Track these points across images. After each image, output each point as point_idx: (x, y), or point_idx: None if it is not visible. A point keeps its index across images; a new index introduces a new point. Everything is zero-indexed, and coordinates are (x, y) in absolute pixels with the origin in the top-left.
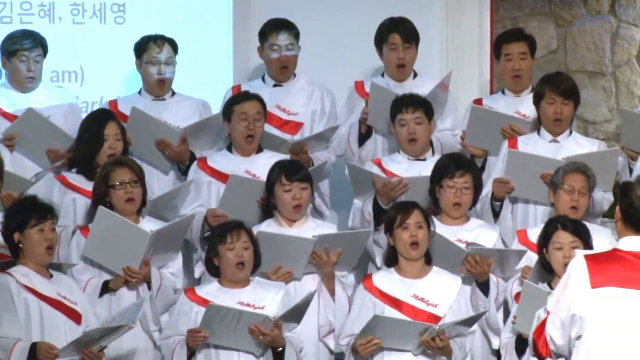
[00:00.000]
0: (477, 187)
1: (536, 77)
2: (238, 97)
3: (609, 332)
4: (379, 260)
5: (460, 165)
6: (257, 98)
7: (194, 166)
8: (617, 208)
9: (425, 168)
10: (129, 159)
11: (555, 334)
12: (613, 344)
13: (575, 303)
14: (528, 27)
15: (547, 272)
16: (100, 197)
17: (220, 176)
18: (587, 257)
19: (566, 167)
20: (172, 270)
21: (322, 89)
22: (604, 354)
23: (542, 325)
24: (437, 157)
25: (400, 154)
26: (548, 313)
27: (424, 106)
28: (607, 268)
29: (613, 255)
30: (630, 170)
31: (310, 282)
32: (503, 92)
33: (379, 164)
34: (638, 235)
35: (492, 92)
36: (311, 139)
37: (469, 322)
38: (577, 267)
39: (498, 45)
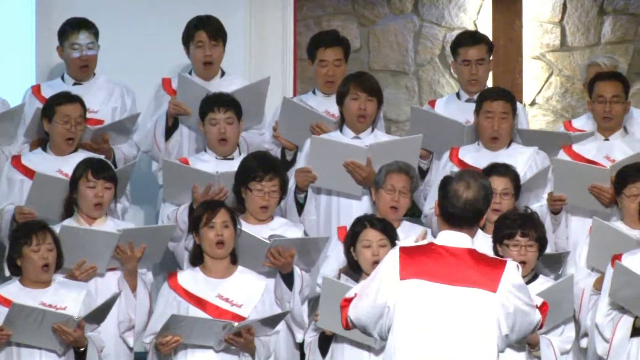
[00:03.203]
0: (283, 190)
1: None
2: (61, 98)
3: (414, 322)
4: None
5: (269, 169)
6: (80, 101)
7: (8, 164)
8: (436, 202)
9: (232, 167)
10: None
11: (355, 316)
12: (417, 334)
13: (384, 293)
14: (331, 27)
15: (355, 271)
16: None
17: (33, 175)
18: (402, 249)
19: (389, 167)
20: None
21: (122, 87)
22: (409, 343)
23: (348, 301)
24: (244, 156)
25: (207, 152)
26: (355, 295)
27: (235, 106)
28: (418, 261)
29: (427, 249)
30: (420, 170)
31: (112, 279)
32: (314, 92)
33: (186, 164)
34: (453, 230)
35: (295, 91)
36: (111, 127)
37: (271, 321)
38: (390, 258)
39: (313, 48)
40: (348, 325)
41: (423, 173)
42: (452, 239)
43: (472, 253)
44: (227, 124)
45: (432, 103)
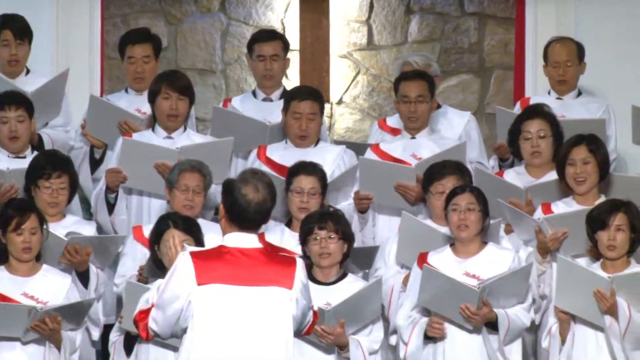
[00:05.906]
0: (73, 186)
1: None
2: None
3: (213, 326)
4: None
5: (56, 166)
6: None
7: None
8: (222, 205)
9: (23, 164)
10: None
11: (157, 325)
12: (216, 338)
13: (181, 299)
14: (139, 25)
15: (159, 268)
16: None
17: None
18: (193, 254)
19: (181, 166)
20: None
21: None
22: (208, 347)
23: (146, 313)
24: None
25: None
26: (153, 305)
27: (26, 104)
28: (213, 265)
29: (219, 252)
30: None
31: None
32: (126, 91)
33: None
34: (242, 232)
35: (102, 90)
36: None
37: (76, 310)
38: (184, 264)
39: (122, 45)
40: (149, 336)
41: None
42: (242, 240)
43: (264, 252)
44: (18, 121)
45: (226, 102)
